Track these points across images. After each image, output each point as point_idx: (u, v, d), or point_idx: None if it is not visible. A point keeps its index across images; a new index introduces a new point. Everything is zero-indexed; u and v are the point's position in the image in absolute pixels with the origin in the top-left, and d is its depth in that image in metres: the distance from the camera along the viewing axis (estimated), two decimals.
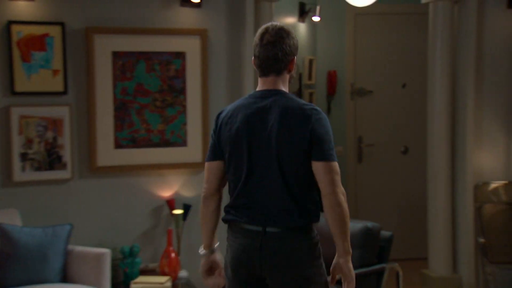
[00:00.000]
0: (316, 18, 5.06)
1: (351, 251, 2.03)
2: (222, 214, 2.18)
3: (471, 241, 4.01)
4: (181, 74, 3.65)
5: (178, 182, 3.68)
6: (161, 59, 3.61)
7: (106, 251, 3.08)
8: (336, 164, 2.01)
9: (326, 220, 2.03)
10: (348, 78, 5.52)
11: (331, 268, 2.05)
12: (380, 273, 2.98)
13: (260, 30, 2.08)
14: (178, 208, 3.60)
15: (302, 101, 2.09)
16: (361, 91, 5.42)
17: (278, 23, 2.09)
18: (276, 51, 2.04)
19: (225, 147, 2.08)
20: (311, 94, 5.37)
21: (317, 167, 1.99)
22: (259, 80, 2.11)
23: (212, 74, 3.71)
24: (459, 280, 4.02)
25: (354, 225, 3.04)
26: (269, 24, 2.08)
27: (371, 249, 3.00)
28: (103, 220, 3.54)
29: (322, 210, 2.07)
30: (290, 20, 5.11)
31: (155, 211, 3.63)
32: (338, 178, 2.00)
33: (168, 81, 3.64)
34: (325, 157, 1.98)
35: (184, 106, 3.67)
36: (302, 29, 5.27)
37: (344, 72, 5.50)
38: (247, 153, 2.03)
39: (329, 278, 2.07)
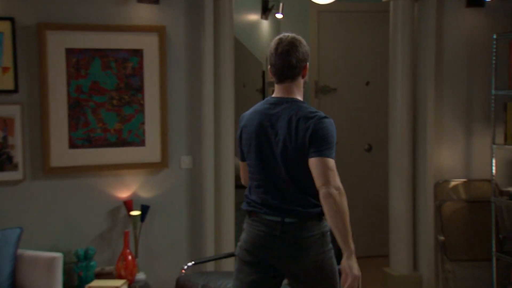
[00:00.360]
0: (279, 15, 5.02)
1: (351, 246, 2.11)
2: (243, 204, 2.36)
3: (431, 239, 4.04)
4: (138, 72, 3.55)
5: (136, 182, 3.59)
6: (118, 56, 3.51)
7: (57, 255, 2.98)
8: (331, 161, 2.16)
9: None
10: (312, 76, 5.49)
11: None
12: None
13: (274, 41, 2.30)
14: (136, 209, 3.51)
15: (311, 109, 2.26)
16: (325, 89, 5.41)
17: (290, 34, 2.29)
18: (290, 58, 2.26)
19: (244, 149, 2.33)
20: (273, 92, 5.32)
21: (311, 162, 2.16)
22: (276, 86, 2.35)
23: (171, 72, 3.63)
24: (419, 278, 4.06)
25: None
26: (281, 35, 2.30)
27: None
28: (57, 223, 3.43)
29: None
30: (252, 17, 5.06)
31: (112, 213, 3.53)
32: (331, 173, 2.13)
33: (125, 79, 3.54)
34: (320, 153, 2.15)
35: (142, 105, 3.58)
36: (265, 26, 5.23)
37: (308, 70, 5.47)
38: (260, 156, 2.26)
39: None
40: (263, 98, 5.11)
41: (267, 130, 2.25)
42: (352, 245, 2.11)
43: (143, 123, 3.59)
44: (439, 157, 4.09)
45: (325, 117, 2.22)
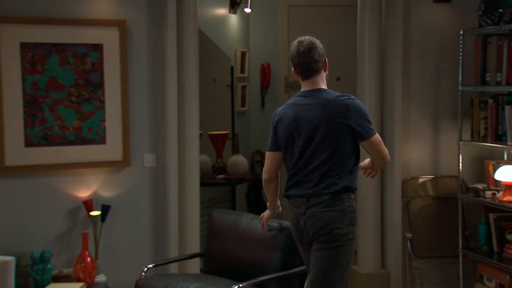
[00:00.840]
0: (247, 10, 4.93)
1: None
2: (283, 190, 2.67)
3: (399, 236, 4.02)
4: (98, 67, 3.43)
5: (96, 182, 3.48)
6: (76, 51, 3.39)
7: (9, 259, 2.86)
8: (377, 136, 2.62)
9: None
10: (282, 71, 5.45)
11: (364, 165, 2.75)
12: (303, 275, 2.91)
13: (295, 44, 2.63)
14: (97, 209, 3.40)
15: (338, 93, 2.61)
16: (296, 84, 5.35)
17: (306, 36, 2.64)
18: (312, 55, 2.59)
19: (282, 140, 2.62)
20: (243, 88, 5.25)
21: (365, 145, 2.61)
22: (303, 83, 2.64)
23: (132, 67, 3.52)
24: (387, 276, 4.03)
25: (277, 226, 2.95)
26: (299, 38, 2.65)
27: (294, 251, 2.92)
28: (12, 224, 3.30)
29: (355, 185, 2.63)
30: (220, 11, 4.96)
31: (71, 213, 3.42)
32: (382, 146, 2.67)
33: (84, 75, 3.42)
34: (369, 135, 2.57)
35: (102, 102, 3.46)
36: (233, 20, 5.14)
37: (278, 65, 5.42)
38: (298, 142, 2.57)
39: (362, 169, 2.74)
40: (232, 93, 5.04)
41: (302, 119, 2.55)
42: None
43: (103, 120, 3.47)
44: (406, 153, 4.06)
45: (355, 98, 2.58)
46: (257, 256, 2.93)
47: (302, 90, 2.64)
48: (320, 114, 2.52)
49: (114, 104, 3.47)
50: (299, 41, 2.62)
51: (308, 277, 2.62)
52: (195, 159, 3.73)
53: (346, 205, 2.53)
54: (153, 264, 3.03)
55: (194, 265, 3.56)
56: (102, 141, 3.47)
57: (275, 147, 2.66)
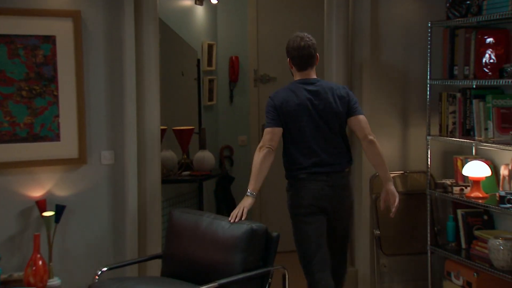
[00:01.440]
0: (214, 1, 4.78)
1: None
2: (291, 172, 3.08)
3: (367, 233, 3.94)
4: (51, 60, 3.26)
5: (50, 180, 3.31)
6: (27, 43, 3.20)
7: None
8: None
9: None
10: (251, 64, 5.31)
11: (382, 195, 3.19)
12: (265, 277, 2.80)
13: (295, 39, 3.06)
14: (50, 209, 3.24)
15: (334, 83, 3.33)
16: (265, 77, 5.24)
17: (303, 32, 3.09)
18: (310, 51, 3.06)
19: (288, 118, 3.01)
20: (211, 81, 5.11)
21: (357, 119, 3.09)
22: (298, 74, 3.09)
23: (88, 60, 3.35)
24: (355, 274, 3.95)
25: (238, 227, 2.84)
26: (298, 33, 3.09)
27: (256, 252, 2.81)
28: None
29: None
30: (185, 2, 4.80)
31: (22, 214, 3.25)
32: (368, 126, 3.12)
33: (36, 68, 3.24)
34: (360, 112, 3.11)
35: (55, 96, 3.29)
36: (200, 12, 4.98)
37: (247, 58, 5.28)
38: (312, 123, 3.02)
39: (381, 203, 3.20)
40: (199, 87, 4.89)
41: (314, 102, 3.02)
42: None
43: (57, 116, 3.30)
44: None
45: (347, 87, 3.21)
46: (218, 258, 2.81)
47: (299, 79, 3.09)
48: (331, 98, 3.05)
49: (68, 99, 3.31)
50: (300, 37, 3.05)
51: (287, 276, 2.95)
52: (156, 156, 3.59)
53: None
54: (107, 268, 2.88)
55: (156, 268, 3.42)
56: (56, 138, 3.31)
57: (277, 124, 3.01)
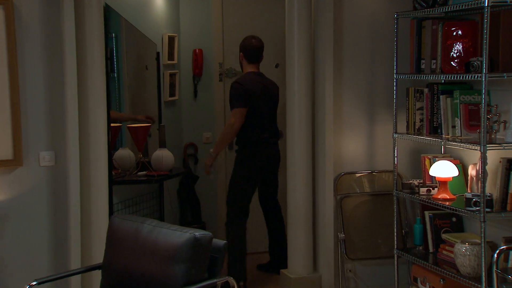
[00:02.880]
0: None
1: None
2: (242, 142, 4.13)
3: (331, 236, 3.73)
4: None
5: None
6: None
7: None
8: None
9: None
10: (216, 57, 5.06)
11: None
12: None
13: (250, 38, 4.18)
14: None
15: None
16: (231, 71, 5.00)
17: (254, 36, 4.20)
18: (262, 49, 4.17)
19: (255, 103, 4.00)
20: (172, 75, 4.85)
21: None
22: (250, 66, 4.14)
23: (23, 52, 3.09)
24: (319, 279, 3.74)
25: (179, 235, 2.59)
26: (251, 36, 4.20)
27: (200, 262, 2.57)
28: None
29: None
30: None
31: None
32: None
33: None
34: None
35: None
36: (159, 2, 4.72)
37: (211, 51, 5.03)
38: (266, 107, 4.09)
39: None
40: (159, 80, 4.63)
41: (267, 91, 4.10)
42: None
43: None
44: (339, 147, 3.77)
45: None
46: (158, 269, 2.57)
47: (251, 71, 4.11)
48: (275, 90, 4.19)
49: (1, 96, 3.03)
50: (253, 36, 4.17)
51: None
52: (102, 156, 3.33)
53: None
54: (36, 282, 2.62)
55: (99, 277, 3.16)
56: None
57: (246, 105, 3.95)
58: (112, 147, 3.86)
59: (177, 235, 2.59)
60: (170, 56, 4.81)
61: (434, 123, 3.39)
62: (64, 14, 3.10)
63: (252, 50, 4.07)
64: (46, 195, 3.17)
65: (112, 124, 3.71)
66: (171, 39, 4.78)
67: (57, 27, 3.12)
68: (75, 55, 3.16)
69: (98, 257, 3.22)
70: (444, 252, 3.35)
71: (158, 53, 4.60)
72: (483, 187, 2.92)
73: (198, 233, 2.58)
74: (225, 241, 2.68)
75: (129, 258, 2.69)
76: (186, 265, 2.54)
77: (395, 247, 3.60)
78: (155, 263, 2.59)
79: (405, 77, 3.53)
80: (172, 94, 4.86)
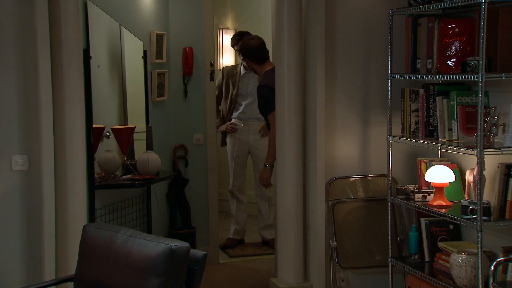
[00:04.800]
0: None
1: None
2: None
3: (323, 244, 3.56)
4: None
5: None
6: None
7: None
8: None
9: None
10: (207, 56, 4.90)
11: None
12: None
13: (247, 40, 4.41)
14: None
15: None
16: (220, 72, 4.84)
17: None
18: (263, 44, 4.39)
19: None
20: (160, 75, 4.68)
21: None
22: (264, 65, 4.25)
23: None
24: None
25: (155, 246, 2.43)
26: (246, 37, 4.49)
27: (176, 275, 2.41)
28: None
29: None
30: None
31: None
32: None
33: None
34: None
35: None
36: (148, 2, 4.55)
37: (202, 50, 4.86)
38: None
39: None
40: (146, 82, 4.47)
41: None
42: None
43: None
44: (331, 151, 3.60)
45: None
46: (131, 283, 2.41)
47: (268, 69, 4.19)
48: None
49: None
50: (251, 38, 4.31)
51: None
52: (80, 159, 3.16)
53: None
54: None
55: None
56: None
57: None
58: (95, 149, 3.70)
59: (152, 246, 2.43)
60: (159, 54, 4.64)
61: (430, 126, 3.21)
62: (37, 10, 2.94)
63: (256, 51, 4.13)
64: (18, 202, 3.01)
65: (94, 126, 3.55)
66: (159, 37, 4.61)
67: (31, 24, 2.96)
68: (49, 53, 3.00)
69: (74, 268, 3.06)
70: (441, 261, 3.18)
71: (145, 52, 4.44)
72: (480, 194, 2.75)
73: (175, 244, 2.42)
74: (204, 252, 2.51)
75: (102, 270, 2.53)
76: (161, 278, 2.38)
77: (390, 255, 3.43)
78: (129, 275, 2.43)
79: (400, 77, 3.35)
80: (161, 94, 4.69)
